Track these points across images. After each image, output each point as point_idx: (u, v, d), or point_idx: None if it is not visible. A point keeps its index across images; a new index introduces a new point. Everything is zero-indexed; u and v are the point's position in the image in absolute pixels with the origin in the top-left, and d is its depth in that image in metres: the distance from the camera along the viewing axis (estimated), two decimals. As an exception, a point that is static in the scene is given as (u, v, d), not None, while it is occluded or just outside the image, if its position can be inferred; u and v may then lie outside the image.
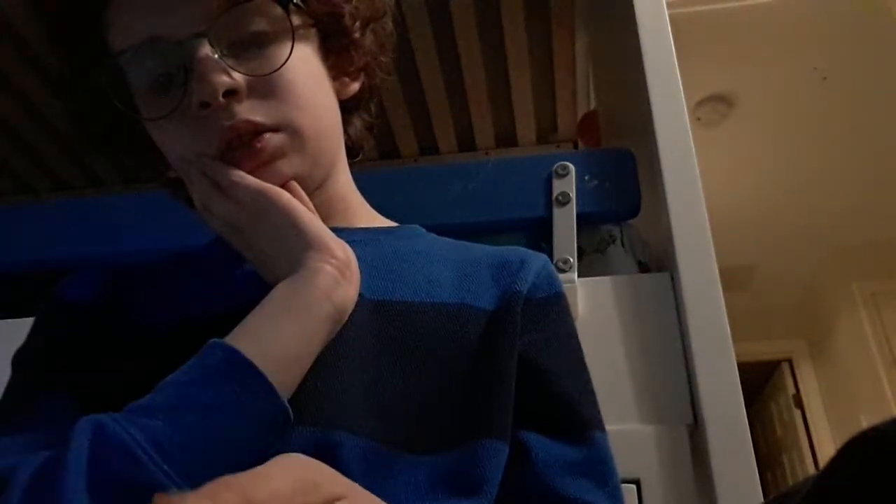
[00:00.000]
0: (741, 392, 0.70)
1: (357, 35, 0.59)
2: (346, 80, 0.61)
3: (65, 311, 0.56)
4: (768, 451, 4.29)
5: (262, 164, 0.52)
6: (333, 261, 0.49)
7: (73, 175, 1.93)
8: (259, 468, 0.31)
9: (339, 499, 0.30)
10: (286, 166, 0.53)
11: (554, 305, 0.58)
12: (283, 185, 0.53)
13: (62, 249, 0.95)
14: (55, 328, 0.55)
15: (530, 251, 0.61)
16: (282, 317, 0.46)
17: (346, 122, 0.62)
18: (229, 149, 0.51)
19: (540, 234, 0.87)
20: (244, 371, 0.42)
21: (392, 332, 0.51)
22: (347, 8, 0.58)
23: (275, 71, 0.52)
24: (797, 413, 3.84)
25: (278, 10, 0.53)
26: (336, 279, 0.49)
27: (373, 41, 0.61)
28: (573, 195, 0.87)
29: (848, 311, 3.37)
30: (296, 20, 0.54)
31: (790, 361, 3.99)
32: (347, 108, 0.63)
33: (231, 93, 0.50)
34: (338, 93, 0.60)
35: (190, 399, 0.40)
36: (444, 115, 1.81)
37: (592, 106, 1.72)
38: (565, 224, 0.85)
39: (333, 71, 0.60)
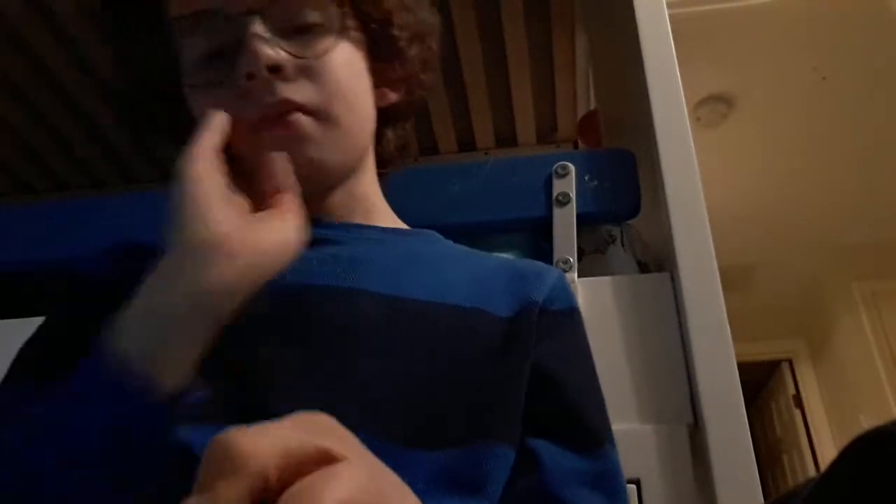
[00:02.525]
0: (741, 392, 0.70)
1: (404, 47, 0.61)
2: (386, 89, 0.63)
3: (81, 285, 0.57)
4: (768, 451, 4.29)
5: (287, 139, 0.53)
6: (201, 238, 0.46)
7: (73, 175, 1.93)
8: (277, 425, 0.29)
9: (337, 458, 0.28)
10: (310, 148, 0.54)
11: (569, 319, 0.58)
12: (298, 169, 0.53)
13: (62, 249, 0.95)
14: (74, 300, 0.57)
15: (546, 265, 0.62)
16: (151, 316, 0.44)
17: (379, 133, 0.64)
18: (262, 119, 0.53)
19: (540, 234, 0.87)
20: (114, 389, 0.41)
21: (402, 330, 0.51)
22: (399, 20, 0.60)
23: (320, 56, 0.54)
24: (797, 413, 3.85)
25: (333, 7, 0.55)
26: (201, 261, 0.45)
27: (417, 55, 0.63)
28: (573, 195, 0.87)
29: (848, 311, 3.37)
30: (349, 18, 0.57)
31: (790, 361, 3.99)
32: (384, 118, 0.64)
33: (276, 69, 0.52)
34: (377, 100, 0.62)
35: (64, 416, 0.41)
36: (444, 115, 1.81)
37: (592, 106, 1.72)
38: (565, 224, 0.85)
39: (375, 78, 0.61)
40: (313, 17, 0.55)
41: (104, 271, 0.57)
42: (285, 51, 0.53)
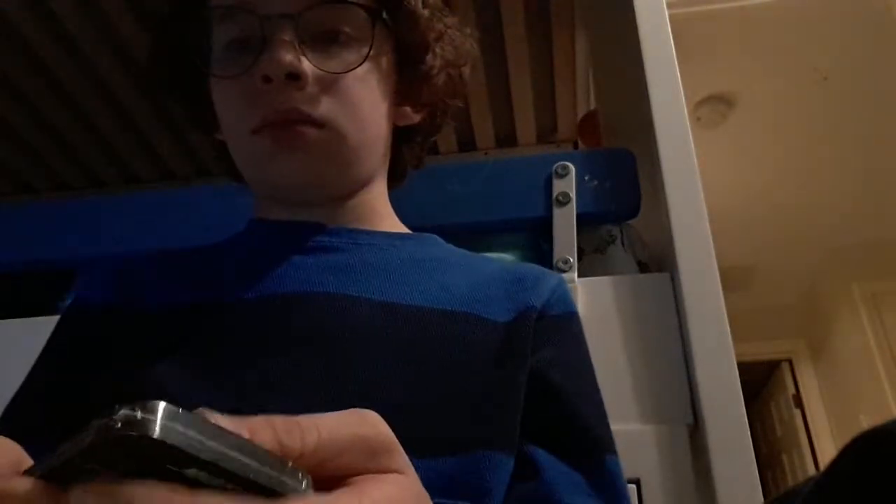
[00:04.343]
0: (741, 392, 0.70)
1: (434, 73, 0.61)
2: (409, 109, 0.63)
3: (82, 314, 0.56)
4: (768, 451, 4.29)
5: (291, 148, 0.53)
6: None
7: (73, 175, 1.93)
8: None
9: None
10: (314, 160, 0.54)
11: (568, 324, 0.58)
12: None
13: (62, 249, 0.95)
14: (74, 333, 0.56)
15: (546, 269, 0.61)
16: None
17: (395, 148, 0.64)
18: (269, 124, 0.53)
19: (540, 234, 0.87)
20: None
21: (399, 335, 0.51)
22: (434, 46, 0.60)
23: (342, 72, 0.54)
24: (797, 413, 3.85)
25: (367, 21, 0.55)
26: None
27: (446, 82, 0.63)
28: (573, 195, 0.87)
29: (848, 311, 3.37)
30: (380, 36, 0.56)
31: (790, 361, 3.99)
32: (402, 135, 0.65)
33: (295, 77, 0.52)
34: (397, 117, 0.62)
35: None
36: (444, 115, 1.80)
37: (592, 106, 1.72)
38: (565, 224, 0.85)
39: (400, 97, 0.62)
40: (346, 28, 0.55)
41: (105, 296, 0.57)
42: (308, 60, 0.53)
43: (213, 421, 0.22)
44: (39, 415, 0.51)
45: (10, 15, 1.42)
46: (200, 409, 0.23)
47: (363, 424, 0.27)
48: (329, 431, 0.25)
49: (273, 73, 0.51)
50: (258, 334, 0.50)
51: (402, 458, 0.29)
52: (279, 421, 0.24)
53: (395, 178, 0.67)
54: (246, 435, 0.23)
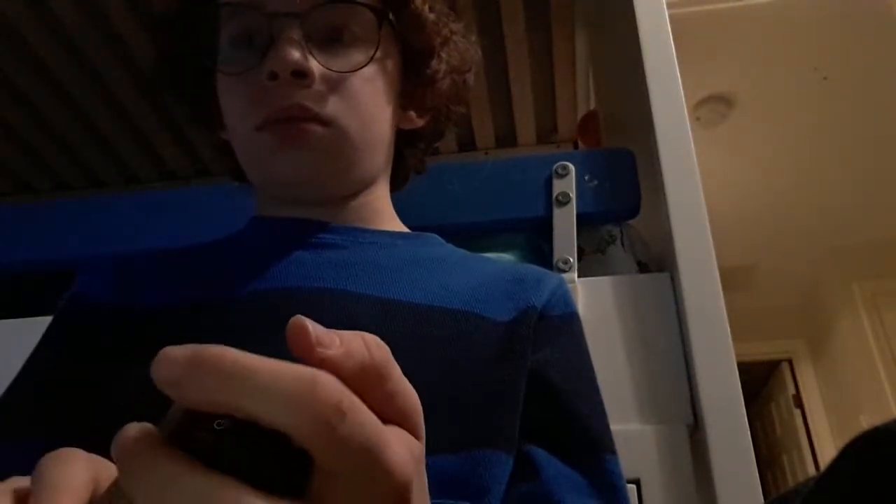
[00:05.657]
0: (741, 392, 0.70)
1: (439, 78, 0.62)
2: (413, 114, 0.64)
3: (86, 311, 0.56)
4: (768, 451, 4.29)
5: (295, 145, 0.53)
6: None
7: (73, 175, 1.93)
8: None
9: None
10: (317, 158, 0.54)
11: (568, 325, 0.58)
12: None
13: (62, 249, 0.95)
14: (72, 331, 0.56)
15: (546, 270, 0.61)
16: None
17: (398, 153, 0.64)
18: (274, 121, 0.53)
19: (540, 234, 0.87)
20: None
21: (399, 332, 0.51)
22: (440, 51, 0.61)
23: (348, 72, 0.54)
24: (797, 413, 3.85)
25: (373, 22, 0.56)
26: None
27: (450, 88, 0.64)
28: (573, 195, 0.87)
29: (848, 311, 3.37)
30: (386, 38, 0.57)
31: (790, 361, 3.99)
32: (406, 140, 0.65)
33: (301, 74, 0.52)
34: (401, 121, 0.63)
35: None
36: (445, 115, 1.80)
37: (592, 106, 1.72)
38: (565, 224, 0.85)
39: (404, 100, 0.62)
40: (353, 28, 0.56)
41: (104, 295, 0.56)
42: (315, 59, 0.53)
43: None
44: (32, 409, 0.51)
45: (10, 15, 1.42)
46: None
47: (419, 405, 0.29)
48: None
49: (280, 70, 0.52)
50: (258, 330, 0.50)
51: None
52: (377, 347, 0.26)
53: (397, 182, 0.67)
54: (338, 341, 0.24)
